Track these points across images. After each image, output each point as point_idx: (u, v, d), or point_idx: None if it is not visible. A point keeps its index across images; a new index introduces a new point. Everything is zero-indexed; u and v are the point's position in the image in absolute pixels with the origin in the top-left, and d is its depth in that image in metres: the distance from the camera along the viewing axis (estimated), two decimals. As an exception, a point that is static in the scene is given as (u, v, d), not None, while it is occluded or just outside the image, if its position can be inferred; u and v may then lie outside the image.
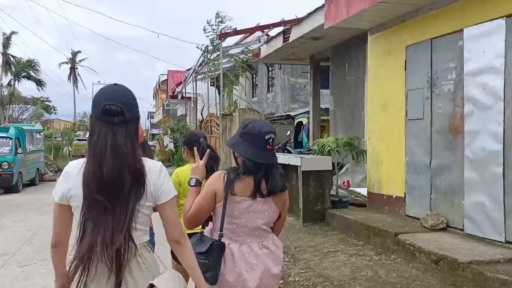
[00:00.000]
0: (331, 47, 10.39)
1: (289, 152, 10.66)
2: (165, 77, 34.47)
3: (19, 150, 14.63)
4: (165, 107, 34.35)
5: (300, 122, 12.65)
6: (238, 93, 19.76)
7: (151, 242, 2.72)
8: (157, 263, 1.89)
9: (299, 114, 13.57)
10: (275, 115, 16.30)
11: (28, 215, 10.12)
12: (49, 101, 56.38)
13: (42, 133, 18.54)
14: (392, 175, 6.18)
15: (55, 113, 54.13)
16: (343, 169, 8.73)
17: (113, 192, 1.66)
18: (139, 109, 1.84)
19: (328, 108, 12.38)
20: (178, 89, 25.15)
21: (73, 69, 54.90)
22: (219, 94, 24.91)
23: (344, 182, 8.35)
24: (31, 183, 16.21)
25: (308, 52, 11.12)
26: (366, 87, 9.14)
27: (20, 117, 42.45)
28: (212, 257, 2.15)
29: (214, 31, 16.32)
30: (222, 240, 2.21)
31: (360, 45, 9.25)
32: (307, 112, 13.13)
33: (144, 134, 3.54)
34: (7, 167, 13.67)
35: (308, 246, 5.41)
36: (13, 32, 32.16)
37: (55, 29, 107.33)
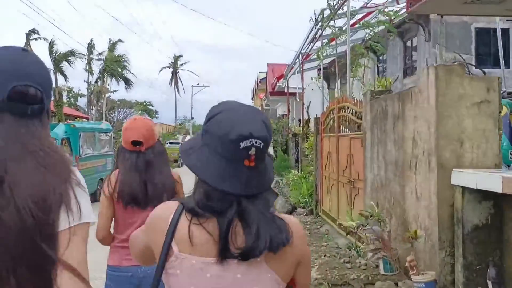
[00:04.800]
0: None
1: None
2: (264, 75, 30.63)
3: (64, 155, 10.48)
4: (264, 107, 30.53)
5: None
6: (357, 81, 14.48)
7: None
8: None
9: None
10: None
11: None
12: (152, 105, 56.93)
13: (110, 133, 14.38)
14: None
15: (157, 118, 54.27)
16: None
17: None
18: None
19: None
20: (279, 83, 20.82)
21: (174, 73, 55.39)
22: (328, 87, 19.98)
23: None
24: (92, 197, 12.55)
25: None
26: None
27: (124, 121, 42.13)
28: None
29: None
30: None
31: None
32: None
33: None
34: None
35: None
36: (119, 40, 31.34)
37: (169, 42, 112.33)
